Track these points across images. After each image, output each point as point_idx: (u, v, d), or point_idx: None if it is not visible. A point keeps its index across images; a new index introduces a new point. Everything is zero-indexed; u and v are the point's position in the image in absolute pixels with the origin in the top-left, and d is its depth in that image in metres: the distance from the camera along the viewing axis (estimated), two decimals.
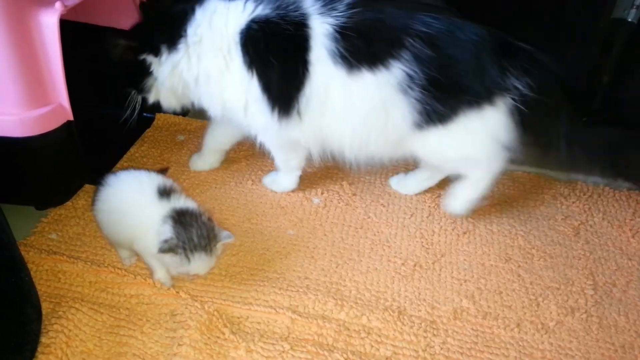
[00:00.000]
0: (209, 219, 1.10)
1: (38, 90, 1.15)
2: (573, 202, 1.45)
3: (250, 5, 1.20)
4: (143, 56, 1.24)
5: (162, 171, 1.26)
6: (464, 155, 1.27)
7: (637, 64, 1.57)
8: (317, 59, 1.17)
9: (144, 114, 1.63)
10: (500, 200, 1.45)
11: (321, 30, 1.15)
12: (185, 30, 1.21)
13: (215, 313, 1.07)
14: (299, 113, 1.21)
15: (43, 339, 1.01)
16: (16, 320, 0.96)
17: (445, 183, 1.43)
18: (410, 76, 1.14)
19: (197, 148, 1.58)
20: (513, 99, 1.17)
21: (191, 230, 1.06)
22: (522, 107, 1.17)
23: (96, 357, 1.01)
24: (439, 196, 1.44)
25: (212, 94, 1.27)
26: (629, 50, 1.62)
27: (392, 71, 1.15)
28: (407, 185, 1.47)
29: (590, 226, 1.38)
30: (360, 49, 1.15)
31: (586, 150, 1.24)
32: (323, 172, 1.51)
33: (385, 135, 1.23)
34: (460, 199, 1.36)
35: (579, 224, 1.38)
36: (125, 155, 1.53)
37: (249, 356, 1.01)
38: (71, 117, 1.20)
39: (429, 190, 1.46)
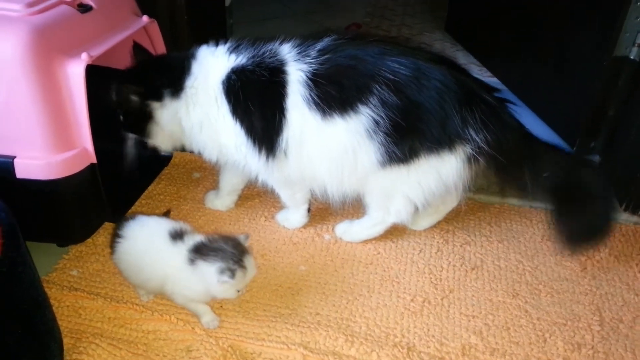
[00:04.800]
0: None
1: (64, 136, 1.22)
2: None
3: (231, 56, 1.28)
4: (148, 101, 1.31)
5: (165, 214, 1.34)
6: (401, 194, 1.31)
7: None
8: (293, 105, 1.23)
9: (163, 153, 1.70)
10: (508, 235, 1.48)
11: (296, 77, 1.22)
12: (184, 82, 1.29)
13: (230, 349, 1.11)
14: (285, 153, 1.27)
15: None
16: (41, 355, 1.00)
17: (453, 218, 1.47)
18: (376, 121, 1.20)
19: (212, 185, 1.64)
20: (472, 149, 1.23)
21: (224, 247, 1.12)
22: (479, 158, 1.23)
23: None
24: (448, 232, 1.48)
25: (206, 140, 1.34)
26: (633, 87, 1.66)
27: (361, 116, 1.21)
28: (417, 221, 1.48)
29: (597, 261, 1.40)
30: (333, 95, 1.21)
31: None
32: (334, 208, 1.55)
33: (356, 174, 1.29)
34: (354, 232, 1.44)
35: (586, 260, 1.40)
36: (143, 193, 1.59)
37: None
38: (94, 160, 1.26)
39: (438, 226, 1.49)
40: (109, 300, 1.23)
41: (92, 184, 1.29)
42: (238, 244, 1.14)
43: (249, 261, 1.13)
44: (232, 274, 1.09)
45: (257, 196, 1.61)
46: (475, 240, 1.44)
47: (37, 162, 1.20)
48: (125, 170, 1.35)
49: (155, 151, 1.40)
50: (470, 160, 1.24)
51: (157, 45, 1.53)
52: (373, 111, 1.19)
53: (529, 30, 2.12)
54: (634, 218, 1.56)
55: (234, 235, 1.16)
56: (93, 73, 1.23)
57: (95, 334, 1.15)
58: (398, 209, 1.34)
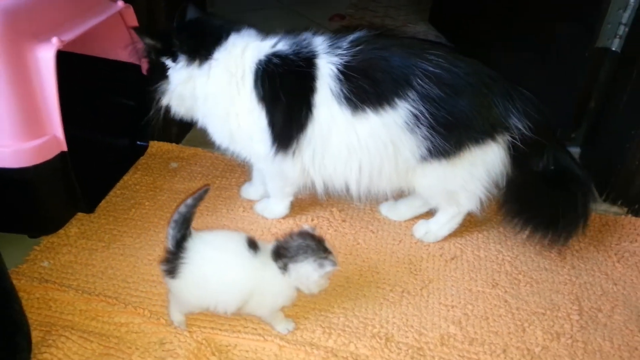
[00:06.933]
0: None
1: (33, 123, 1.18)
2: None
3: (273, 40, 1.25)
4: (163, 59, 1.26)
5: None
6: (460, 188, 1.30)
7: (622, 91, 1.60)
8: (321, 100, 1.20)
9: (138, 142, 1.66)
10: (488, 225, 1.47)
11: (326, 71, 1.19)
12: (212, 52, 1.24)
13: (204, 342, 1.08)
14: (293, 152, 1.25)
15: None
16: (7, 349, 0.97)
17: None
18: (416, 115, 1.17)
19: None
20: (512, 137, 1.23)
21: (305, 243, 1.08)
22: (520, 145, 1.23)
23: None
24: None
25: (218, 117, 1.29)
26: (614, 78, 1.66)
27: (398, 111, 1.18)
28: (398, 211, 1.49)
29: (577, 251, 1.39)
30: (365, 89, 1.18)
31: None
32: (313, 198, 1.53)
33: (397, 170, 1.27)
34: (434, 230, 1.41)
35: (565, 249, 1.39)
36: (118, 183, 1.55)
37: None
38: (65, 148, 1.22)
39: (418, 217, 1.48)
40: (80, 292, 1.20)
41: (63, 173, 1.25)
42: (311, 234, 1.10)
43: (329, 245, 1.10)
44: (333, 262, 1.07)
45: (235, 186, 1.58)
46: (455, 230, 1.42)
47: (5, 150, 1.16)
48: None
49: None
50: (510, 148, 1.24)
51: (133, 32, 1.48)
52: (412, 105, 1.17)
53: (512, 22, 2.11)
54: (614, 208, 1.57)
55: (301, 229, 1.12)
56: (66, 58, 1.19)
57: (66, 326, 1.12)
58: (464, 201, 1.33)
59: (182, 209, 1.06)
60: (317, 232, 1.12)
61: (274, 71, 1.21)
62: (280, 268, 1.07)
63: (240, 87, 1.24)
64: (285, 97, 1.21)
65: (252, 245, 1.09)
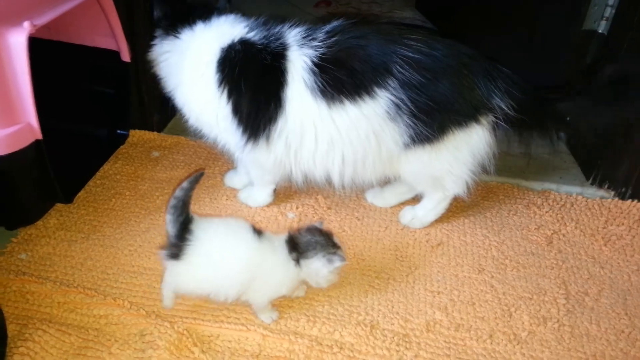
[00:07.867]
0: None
1: (5, 110, 1.14)
2: (546, 212, 1.46)
3: (245, 28, 1.22)
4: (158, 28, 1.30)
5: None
6: (446, 172, 1.28)
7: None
8: (293, 94, 1.17)
9: (118, 131, 1.63)
10: (474, 210, 1.46)
11: (299, 64, 1.16)
12: (179, 32, 1.25)
13: (185, 332, 1.06)
14: (265, 143, 1.22)
15: None
16: None
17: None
18: (397, 104, 1.15)
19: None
20: (496, 117, 1.21)
21: (314, 239, 1.08)
22: (504, 125, 1.21)
23: None
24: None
25: (185, 99, 1.29)
26: (601, 60, 1.64)
27: (378, 100, 1.15)
28: (383, 198, 1.47)
29: (563, 235, 1.38)
30: (342, 80, 1.15)
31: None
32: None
33: (381, 159, 1.24)
34: (420, 216, 1.39)
35: (552, 233, 1.38)
36: (98, 173, 1.52)
37: None
38: (40, 136, 1.18)
39: (404, 203, 1.46)
40: (58, 284, 1.17)
41: (38, 162, 1.21)
42: (320, 229, 1.10)
43: (337, 240, 1.10)
44: (342, 257, 1.06)
45: (218, 175, 1.55)
46: (441, 215, 1.41)
47: None
48: None
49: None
50: (495, 128, 1.22)
51: (110, 15, 1.44)
52: (392, 93, 1.14)
53: (499, 6, 2.09)
54: (600, 192, 1.56)
55: (309, 225, 1.12)
56: (42, 45, 1.15)
57: (44, 319, 1.09)
58: (450, 185, 1.31)
59: (179, 193, 1.04)
60: (325, 227, 1.12)
61: (234, 58, 1.18)
62: (293, 260, 1.07)
63: (203, 73, 1.21)
64: (246, 87, 1.18)
65: (257, 233, 1.09)
